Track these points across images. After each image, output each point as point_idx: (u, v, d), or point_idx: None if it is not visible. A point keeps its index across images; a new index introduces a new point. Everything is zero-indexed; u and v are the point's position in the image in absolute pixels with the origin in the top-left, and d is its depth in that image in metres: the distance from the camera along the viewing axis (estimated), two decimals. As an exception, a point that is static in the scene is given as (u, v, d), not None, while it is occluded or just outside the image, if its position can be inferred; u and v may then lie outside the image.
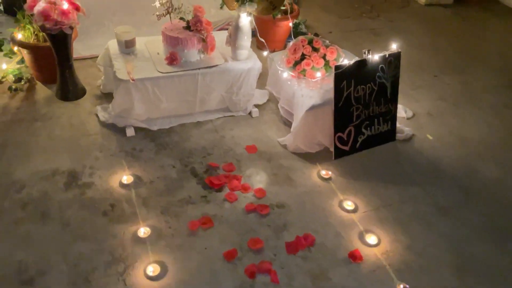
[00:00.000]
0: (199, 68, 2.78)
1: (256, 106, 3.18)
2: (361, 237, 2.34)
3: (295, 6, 3.79)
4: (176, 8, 2.76)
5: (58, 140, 2.74)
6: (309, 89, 2.76)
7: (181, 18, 2.79)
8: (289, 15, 3.64)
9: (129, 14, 4.07)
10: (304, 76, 2.81)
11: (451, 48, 4.30)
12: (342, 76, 2.65)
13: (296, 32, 3.81)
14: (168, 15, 2.76)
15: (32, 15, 2.72)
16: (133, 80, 2.61)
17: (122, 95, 2.68)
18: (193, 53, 2.80)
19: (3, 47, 3.29)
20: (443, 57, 4.14)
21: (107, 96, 3.13)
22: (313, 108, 2.69)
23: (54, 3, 2.63)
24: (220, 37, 2.96)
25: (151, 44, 2.93)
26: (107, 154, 2.68)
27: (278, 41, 3.83)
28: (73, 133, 2.81)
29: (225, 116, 3.09)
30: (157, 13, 2.72)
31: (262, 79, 3.20)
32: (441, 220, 2.48)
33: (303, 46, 2.76)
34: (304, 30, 4.21)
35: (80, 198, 2.39)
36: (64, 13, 2.67)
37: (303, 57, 2.78)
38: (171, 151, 2.76)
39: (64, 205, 2.34)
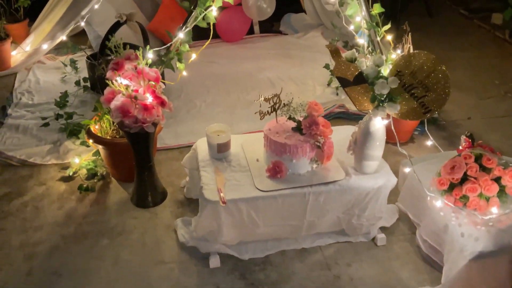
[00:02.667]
0: (311, 185, 2.05)
1: (382, 229, 2.34)
2: None
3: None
4: (285, 104, 2.10)
5: (124, 269, 2.12)
6: (473, 226, 1.88)
7: (291, 118, 2.11)
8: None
9: (223, 93, 3.54)
10: (465, 205, 1.94)
11: None
12: (532, 215, 1.75)
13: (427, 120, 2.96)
14: (274, 112, 2.10)
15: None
16: (224, 203, 1.94)
17: (209, 217, 2.02)
18: (303, 164, 2.08)
19: (80, 135, 2.87)
20: None
21: (190, 203, 2.51)
22: (480, 256, 1.80)
23: (135, 98, 2.10)
24: (336, 137, 2.18)
25: (249, 146, 2.27)
26: (183, 297, 2.00)
27: (404, 132, 3.00)
28: (144, 258, 2.18)
29: (339, 242, 2.29)
30: (260, 111, 2.08)
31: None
32: None
33: (466, 164, 1.91)
34: (435, 115, 3.35)
35: None
36: (146, 108, 2.13)
37: (464, 177, 1.92)
38: (267, 296, 2.01)
39: None
